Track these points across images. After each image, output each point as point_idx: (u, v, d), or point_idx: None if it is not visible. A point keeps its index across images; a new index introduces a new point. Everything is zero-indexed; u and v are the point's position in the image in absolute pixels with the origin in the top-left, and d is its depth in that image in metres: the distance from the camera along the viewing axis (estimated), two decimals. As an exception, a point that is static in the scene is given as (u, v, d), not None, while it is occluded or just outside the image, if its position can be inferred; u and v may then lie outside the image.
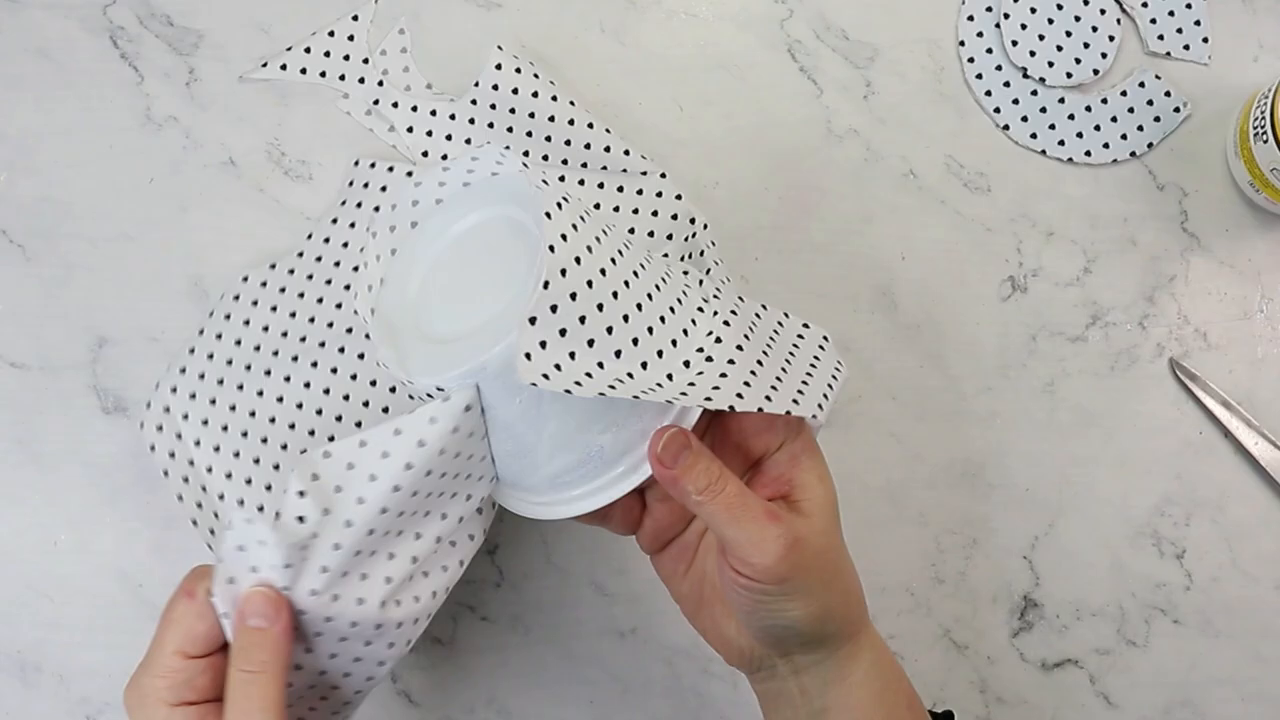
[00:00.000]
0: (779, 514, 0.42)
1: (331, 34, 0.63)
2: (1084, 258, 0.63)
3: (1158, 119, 0.64)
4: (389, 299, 0.47)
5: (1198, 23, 0.65)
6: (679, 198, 0.59)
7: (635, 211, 0.58)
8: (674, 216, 0.59)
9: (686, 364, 0.43)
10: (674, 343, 0.43)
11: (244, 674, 0.38)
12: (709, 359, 0.43)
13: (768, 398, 0.42)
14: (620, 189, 0.59)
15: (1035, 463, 0.61)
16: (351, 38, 0.63)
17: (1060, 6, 0.65)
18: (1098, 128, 0.64)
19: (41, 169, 0.62)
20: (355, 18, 0.64)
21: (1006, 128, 0.64)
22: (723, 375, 0.42)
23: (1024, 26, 0.65)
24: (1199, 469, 0.61)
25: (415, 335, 0.44)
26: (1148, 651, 0.60)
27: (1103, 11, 0.65)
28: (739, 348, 0.44)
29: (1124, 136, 0.64)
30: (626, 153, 0.60)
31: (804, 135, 0.64)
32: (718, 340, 0.44)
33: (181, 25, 0.64)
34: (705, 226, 0.58)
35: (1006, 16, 0.65)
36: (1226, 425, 0.61)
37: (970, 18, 0.65)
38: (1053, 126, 0.64)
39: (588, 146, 0.60)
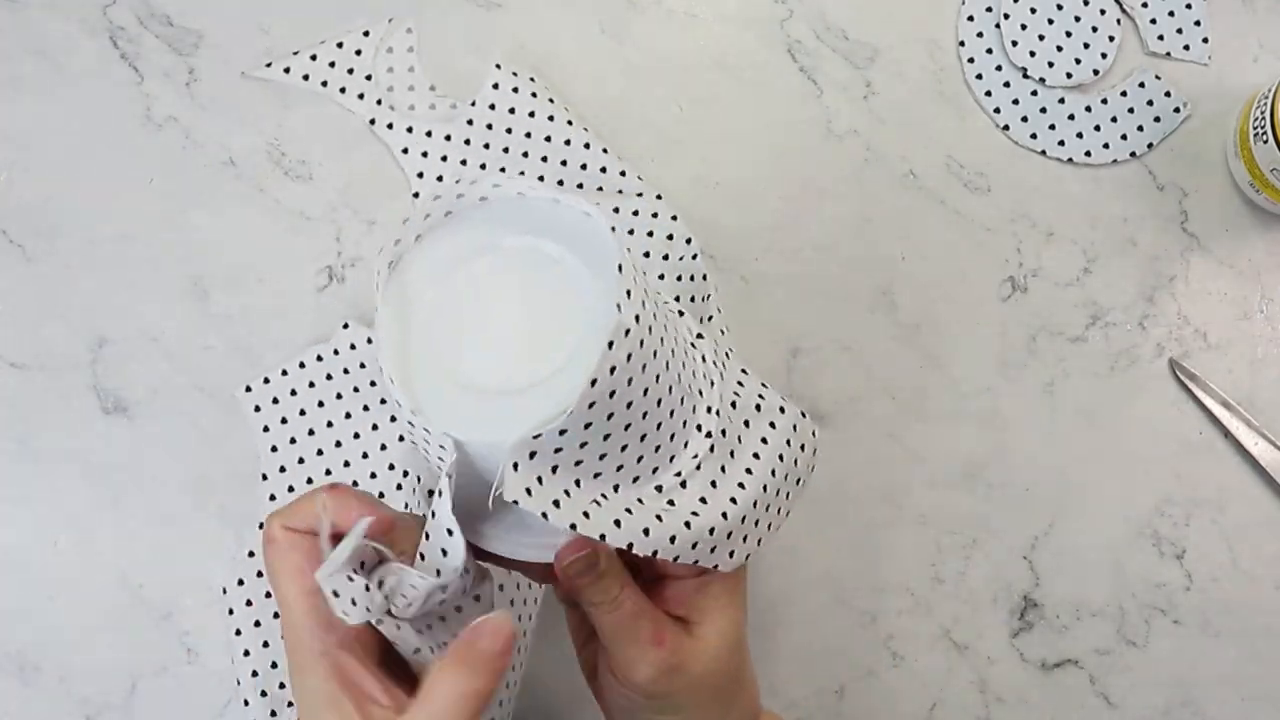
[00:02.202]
0: (666, 636, 0.41)
1: (340, 45, 0.63)
2: (1084, 258, 0.63)
3: (1158, 119, 0.64)
4: (394, 321, 0.41)
5: (1198, 23, 0.65)
6: (674, 218, 0.60)
7: (631, 232, 0.59)
8: (669, 237, 0.60)
9: (659, 488, 0.41)
10: (654, 470, 0.41)
11: (460, 689, 0.36)
12: (683, 483, 0.41)
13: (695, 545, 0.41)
14: (616, 210, 0.60)
15: (1035, 463, 0.61)
16: (359, 52, 0.63)
17: (1060, 6, 0.65)
18: (1098, 128, 0.64)
19: (41, 169, 0.62)
20: (366, 33, 0.63)
21: (1006, 128, 0.64)
22: (691, 514, 0.41)
23: (1024, 26, 0.65)
24: (1199, 469, 0.61)
25: (443, 377, 0.39)
26: (1148, 651, 0.60)
27: (1103, 11, 0.65)
28: (713, 484, 0.42)
29: (1124, 137, 0.64)
30: (623, 173, 0.61)
31: (804, 135, 0.64)
32: (697, 467, 0.42)
33: (181, 25, 0.64)
34: (695, 255, 0.59)
35: (1006, 16, 0.65)
36: (1226, 425, 0.61)
37: (970, 18, 0.65)
38: (1053, 126, 0.64)
39: (584, 167, 0.61)
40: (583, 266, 0.39)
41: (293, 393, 0.59)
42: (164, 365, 0.60)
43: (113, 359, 0.60)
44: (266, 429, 0.59)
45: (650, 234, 0.59)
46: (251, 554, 0.58)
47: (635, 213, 0.60)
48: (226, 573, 0.58)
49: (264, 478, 0.58)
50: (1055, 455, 0.61)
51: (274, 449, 0.59)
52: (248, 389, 0.59)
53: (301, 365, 0.59)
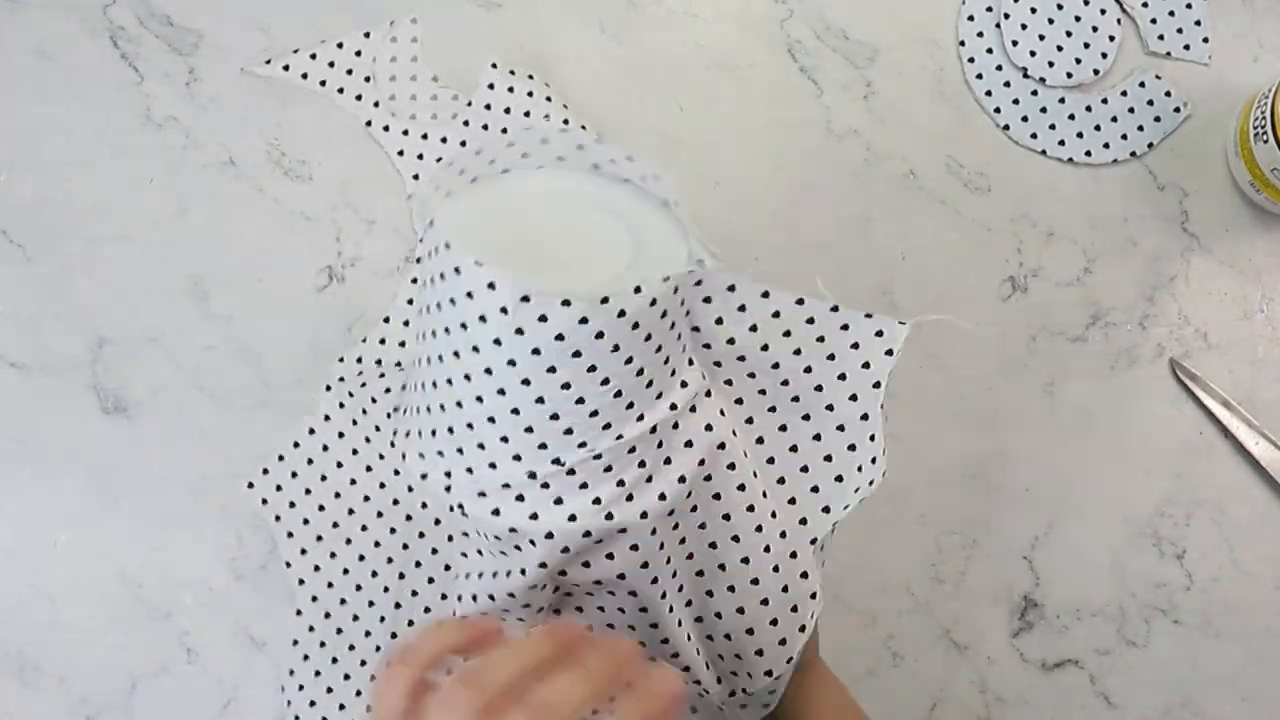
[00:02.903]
0: None
1: (340, 45, 0.63)
2: (1084, 258, 0.63)
3: (1158, 119, 0.64)
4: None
5: (1198, 23, 0.65)
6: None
7: None
8: None
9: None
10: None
11: None
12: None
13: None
14: None
15: (1035, 463, 0.61)
16: (359, 53, 0.63)
17: (1060, 6, 0.65)
18: (1098, 128, 0.64)
19: (41, 169, 0.62)
20: (367, 35, 0.63)
21: (1007, 128, 0.64)
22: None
23: (1024, 26, 0.65)
24: (1199, 469, 0.61)
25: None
26: (1148, 651, 0.60)
27: (1103, 11, 0.65)
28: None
29: (1124, 136, 0.64)
30: None
31: (804, 135, 0.64)
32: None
33: (181, 25, 0.64)
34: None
35: (1007, 16, 0.65)
36: (1226, 425, 0.61)
37: (970, 18, 0.65)
38: (1053, 126, 0.64)
39: None
40: (618, 214, 0.42)
41: (293, 475, 0.59)
42: (164, 365, 0.60)
43: (113, 359, 0.60)
44: (279, 518, 0.58)
45: None
46: (296, 642, 0.58)
47: None
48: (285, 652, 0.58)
49: (288, 564, 0.58)
50: (1055, 455, 0.61)
51: (290, 535, 0.58)
52: (250, 485, 0.59)
53: (296, 445, 0.59)
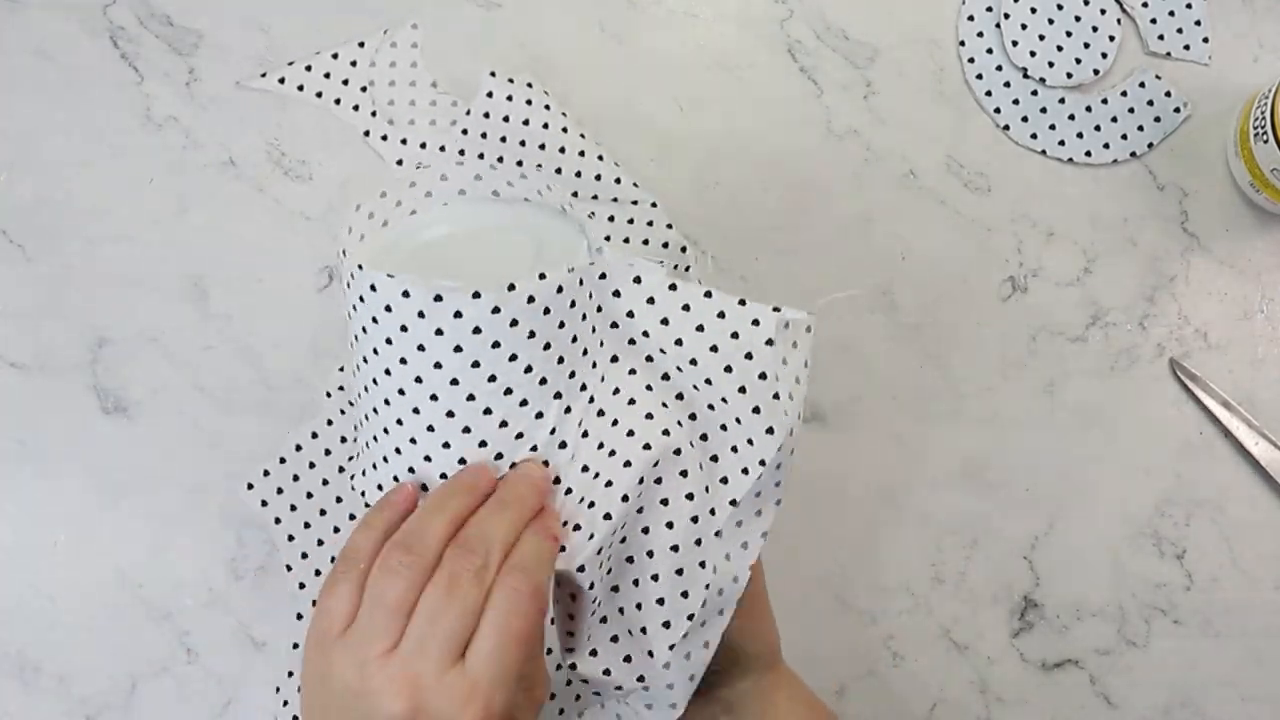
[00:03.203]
0: None
1: (335, 56, 0.63)
2: (1084, 258, 0.63)
3: (1158, 119, 0.64)
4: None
5: (1198, 23, 0.65)
6: (669, 226, 0.61)
7: (626, 240, 0.59)
8: (665, 245, 0.60)
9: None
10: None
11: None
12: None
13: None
14: (611, 219, 0.60)
15: (1035, 463, 0.61)
16: (354, 63, 0.63)
17: (1060, 6, 0.65)
18: (1098, 128, 0.64)
19: (41, 169, 0.62)
20: (361, 44, 0.63)
21: (1007, 128, 0.64)
22: None
23: (1024, 26, 0.65)
24: (1199, 469, 0.61)
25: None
26: (1148, 651, 0.60)
27: (1103, 11, 0.65)
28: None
29: (1124, 136, 0.64)
30: (618, 180, 0.61)
31: (804, 135, 0.64)
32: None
33: (181, 25, 0.64)
34: (689, 266, 0.60)
35: (1007, 16, 0.65)
36: (1226, 425, 0.61)
37: (970, 18, 0.65)
38: (1053, 126, 0.64)
39: (578, 175, 0.61)
40: (523, 229, 0.44)
41: (295, 478, 0.58)
42: (164, 365, 0.60)
43: (113, 359, 0.60)
44: (278, 520, 0.58)
45: (646, 242, 0.60)
46: (296, 645, 0.58)
47: (630, 220, 0.60)
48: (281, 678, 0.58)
49: (288, 568, 0.58)
50: (1055, 455, 0.61)
51: (291, 538, 0.58)
52: (250, 486, 0.58)
53: (298, 448, 0.59)
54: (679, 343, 0.43)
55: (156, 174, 0.62)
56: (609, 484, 0.42)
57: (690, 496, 0.43)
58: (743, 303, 0.43)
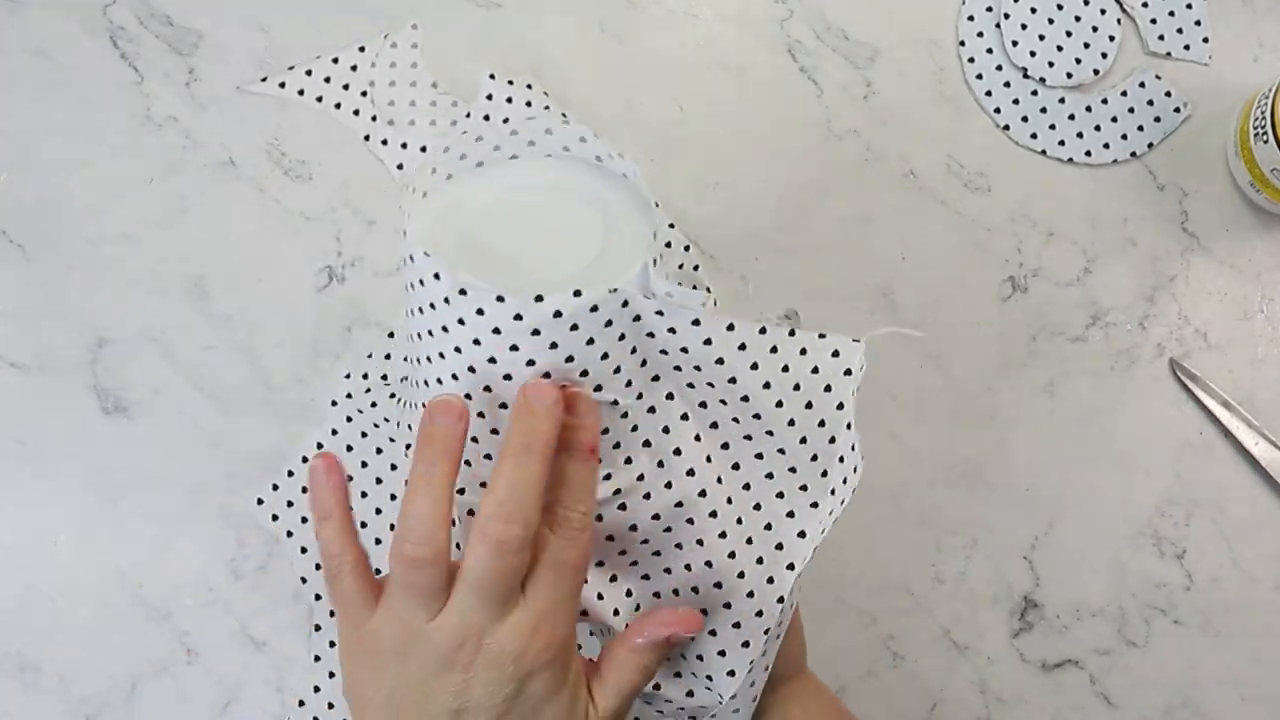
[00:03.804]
0: None
1: (335, 60, 0.63)
2: (1084, 258, 0.63)
3: (1158, 119, 0.64)
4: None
5: (1198, 23, 0.65)
6: (671, 226, 0.61)
7: None
8: (668, 244, 0.60)
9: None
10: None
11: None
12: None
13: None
14: None
15: (1035, 463, 0.61)
16: (354, 68, 0.63)
17: (1060, 6, 0.65)
18: (1098, 128, 0.64)
19: (41, 169, 0.62)
20: (362, 49, 0.63)
21: (1007, 128, 0.64)
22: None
23: (1024, 26, 0.65)
24: (1199, 469, 0.61)
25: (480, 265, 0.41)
26: (1148, 651, 0.60)
27: (1103, 11, 0.65)
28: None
29: (1124, 136, 0.64)
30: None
31: (804, 135, 0.64)
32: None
33: (181, 25, 0.64)
34: (697, 266, 0.60)
35: (1007, 16, 0.65)
36: (1226, 425, 0.61)
37: (970, 18, 0.65)
38: (1053, 126, 0.64)
39: None
40: (604, 212, 0.42)
41: (304, 490, 0.58)
42: (164, 365, 0.60)
43: (113, 359, 0.60)
44: (290, 534, 0.58)
45: None
46: (318, 658, 0.58)
47: None
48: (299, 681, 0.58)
49: (304, 580, 0.58)
50: (1055, 455, 0.61)
51: (303, 550, 0.58)
52: (260, 501, 0.59)
53: (305, 460, 0.59)
54: (733, 380, 0.42)
55: (156, 174, 0.62)
56: (633, 527, 0.42)
57: (723, 535, 0.43)
58: (793, 333, 0.43)
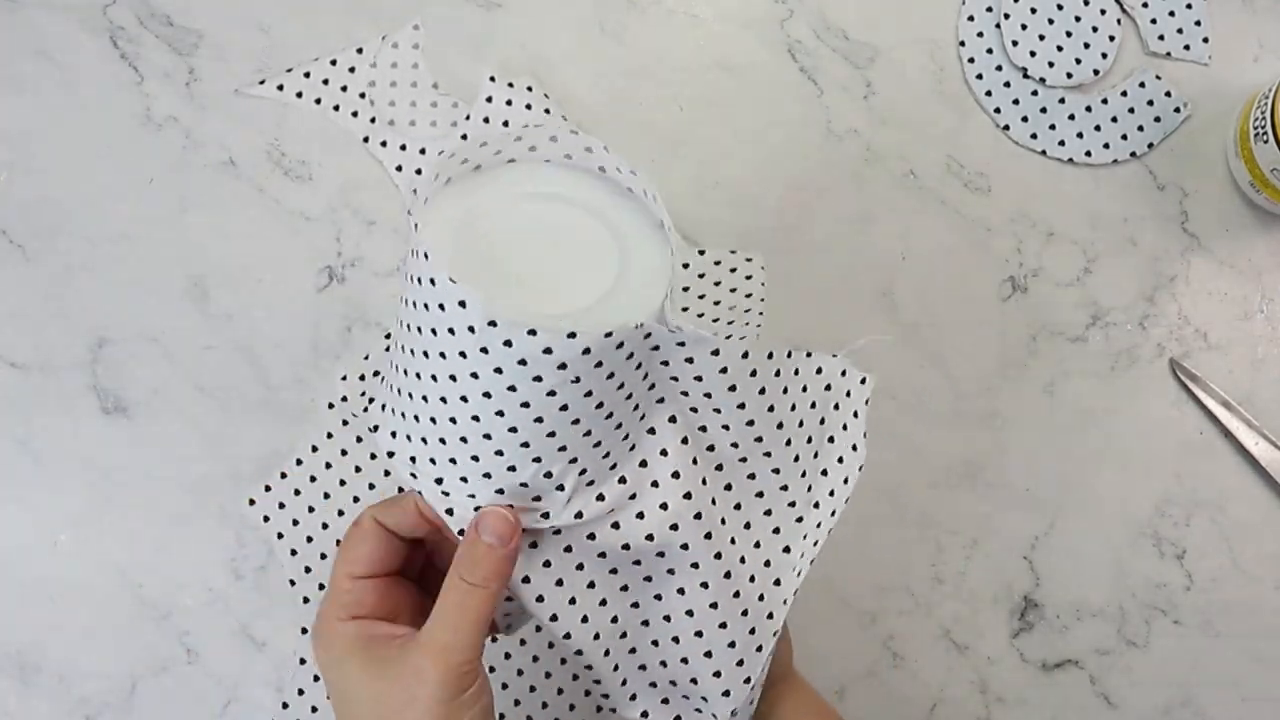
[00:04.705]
0: None
1: (334, 62, 0.63)
2: (1084, 258, 0.63)
3: (1158, 119, 0.64)
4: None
5: (1198, 23, 0.65)
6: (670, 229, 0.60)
7: None
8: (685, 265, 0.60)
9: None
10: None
11: (465, 584, 0.39)
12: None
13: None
14: None
15: (1035, 463, 0.61)
16: (353, 69, 0.63)
17: (1060, 6, 0.65)
18: (1098, 128, 0.64)
19: (41, 169, 0.62)
20: (360, 50, 0.63)
21: (1007, 128, 0.64)
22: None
23: (1024, 26, 0.65)
24: (1199, 469, 0.61)
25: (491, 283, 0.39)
26: (1148, 651, 0.60)
27: (1103, 11, 0.65)
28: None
29: (1124, 136, 0.64)
30: None
31: (804, 135, 0.64)
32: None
33: (181, 25, 0.64)
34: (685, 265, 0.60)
35: (1007, 16, 0.65)
36: (1226, 425, 0.61)
37: (970, 18, 0.65)
38: (1053, 126, 0.64)
39: None
40: (613, 228, 0.42)
41: (296, 492, 0.58)
42: (164, 365, 0.60)
43: (113, 359, 0.60)
44: (281, 535, 0.58)
45: None
46: (303, 661, 0.58)
47: None
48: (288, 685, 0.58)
49: (292, 583, 0.58)
50: (1055, 455, 0.61)
51: (294, 552, 0.58)
52: (251, 502, 0.58)
53: (299, 462, 0.59)
54: (741, 406, 0.42)
55: (156, 174, 0.62)
56: (626, 546, 0.42)
57: (719, 556, 0.42)
58: (809, 355, 0.43)
